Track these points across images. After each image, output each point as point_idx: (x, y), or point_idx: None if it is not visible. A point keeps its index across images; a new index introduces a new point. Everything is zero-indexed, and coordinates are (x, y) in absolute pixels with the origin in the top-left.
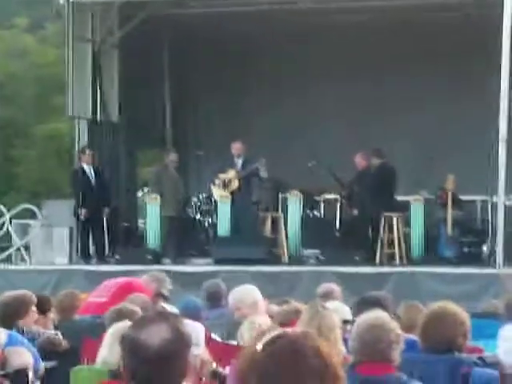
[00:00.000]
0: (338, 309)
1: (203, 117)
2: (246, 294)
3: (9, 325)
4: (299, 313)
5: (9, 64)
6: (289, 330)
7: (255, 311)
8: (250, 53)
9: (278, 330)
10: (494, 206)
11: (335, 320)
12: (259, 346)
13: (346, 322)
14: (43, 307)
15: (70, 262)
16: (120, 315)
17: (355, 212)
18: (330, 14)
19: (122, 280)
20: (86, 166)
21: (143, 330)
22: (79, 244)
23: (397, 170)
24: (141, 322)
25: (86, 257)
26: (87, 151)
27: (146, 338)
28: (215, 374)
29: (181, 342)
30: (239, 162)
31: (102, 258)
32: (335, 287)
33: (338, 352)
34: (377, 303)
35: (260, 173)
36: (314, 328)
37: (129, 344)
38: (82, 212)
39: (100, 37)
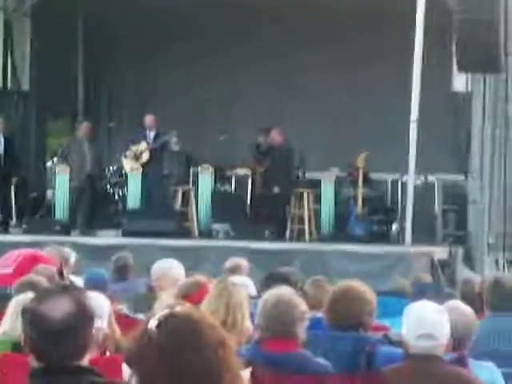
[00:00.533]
0: (245, 284)
1: (115, 88)
2: (170, 269)
3: None
4: (200, 285)
5: None
6: (178, 310)
7: (174, 287)
8: (164, 21)
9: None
10: (404, 186)
11: (243, 296)
12: (154, 323)
13: (252, 297)
14: None
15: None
16: (29, 287)
17: (276, 189)
18: None
19: (25, 251)
20: None
21: (45, 302)
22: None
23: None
24: (43, 294)
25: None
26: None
27: (48, 311)
28: (120, 347)
29: (83, 315)
30: (151, 134)
31: (7, 227)
32: (243, 262)
33: (246, 328)
34: (284, 279)
35: (171, 146)
36: (222, 304)
37: (30, 316)
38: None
39: (12, 5)
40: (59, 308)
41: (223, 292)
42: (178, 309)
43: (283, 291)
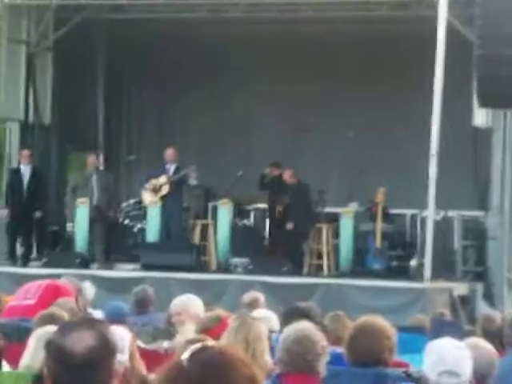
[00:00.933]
0: (266, 318)
1: (136, 122)
2: (190, 304)
3: None
4: (221, 320)
5: None
6: (207, 344)
7: (193, 322)
8: (185, 58)
9: (204, 341)
10: (423, 221)
11: (262, 330)
12: (185, 356)
13: (272, 331)
14: None
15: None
16: (51, 320)
17: (290, 226)
18: (264, 23)
19: (46, 282)
20: (22, 166)
21: (68, 335)
22: (6, 245)
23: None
24: (66, 327)
25: (12, 258)
26: (23, 151)
27: (71, 344)
28: (144, 381)
29: (106, 350)
30: (171, 168)
31: (28, 261)
32: (260, 296)
33: (265, 363)
34: (304, 314)
35: (189, 180)
36: (241, 338)
37: (53, 349)
38: (5, 213)
39: (35, 39)
40: (82, 341)
41: (242, 326)
42: (210, 343)
43: (304, 326)
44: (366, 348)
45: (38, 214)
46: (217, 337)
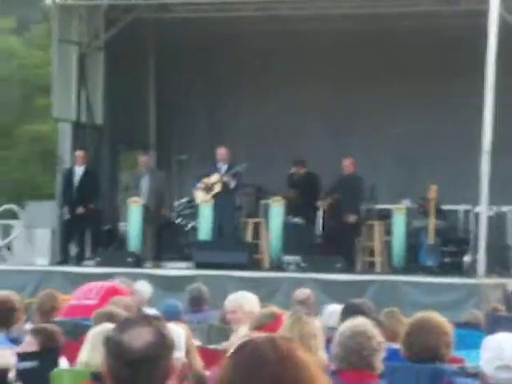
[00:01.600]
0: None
1: (187, 121)
2: (245, 301)
3: None
4: (275, 316)
5: None
6: (257, 335)
7: (248, 320)
8: (235, 57)
9: (247, 337)
10: (477, 216)
11: (317, 327)
12: (228, 354)
13: (333, 328)
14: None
15: (51, 263)
16: (108, 318)
17: (352, 218)
18: (317, 21)
19: (107, 283)
20: (76, 167)
21: (126, 332)
22: (60, 245)
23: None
24: (124, 324)
25: (66, 258)
26: (76, 152)
27: (129, 341)
28: (201, 377)
29: (163, 345)
30: (224, 167)
31: (82, 260)
32: (310, 293)
33: (319, 359)
34: (360, 311)
35: (241, 178)
36: (296, 334)
37: (112, 346)
38: (64, 211)
39: (86, 39)
40: (140, 338)
41: (296, 323)
42: (253, 338)
43: (359, 322)
44: (422, 344)
45: (80, 210)
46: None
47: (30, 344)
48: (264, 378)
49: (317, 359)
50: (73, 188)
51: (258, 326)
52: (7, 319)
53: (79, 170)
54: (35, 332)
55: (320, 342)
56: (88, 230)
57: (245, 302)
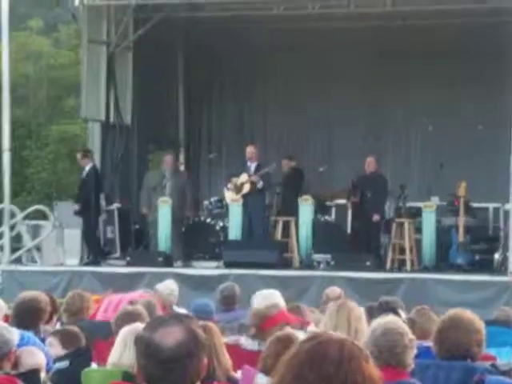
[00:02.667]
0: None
1: (216, 120)
2: (270, 298)
3: (25, 325)
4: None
5: (23, 66)
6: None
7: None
8: (263, 55)
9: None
10: (506, 214)
11: (362, 311)
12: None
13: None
14: (51, 308)
15: (81, 263)
16: (129, 317)
17: (376, 218)
18: (346, 20)
19: (132, 294)
20: (86, 167)
21: (158, 331)
22: (90, 245)
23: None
24: (155, 323)
25: (95, 258)
26: (83, 152)
27: (161, 340)
28: (229, 376)
29: (195, 344)
30: (252, 166)
31: (106, 259)
32: (340, 291)
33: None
34: (391, 308)
35: (270, 179)
36: (344, 318)
37: (143, 345)
38: (75, 206)
39: (114, 39)
40: (172, 336)
41: (343, 308)
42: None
43: (391, 319)
44: (454, 341)
45: (76, 207)
46: (276, 323)
47: (52, 345)
48: (320, 374)
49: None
50: (82, 187)
51: (263, 317)
52: (36, 319)
53: (85, 170)
54: (56, 334)
55: (365, 326)
56: (117, 230)
57: (269, 299)
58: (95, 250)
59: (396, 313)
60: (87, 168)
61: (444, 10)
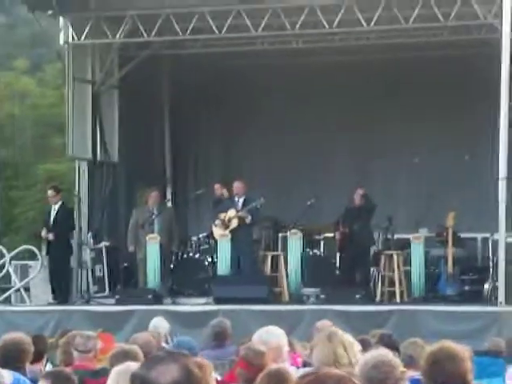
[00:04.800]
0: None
1: (203, 156)
2: (272, 336)
3: (10, 367)
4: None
5: (8, 106)
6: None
7: (276, 356)
8: (249, 92)
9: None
10: (495, 244)
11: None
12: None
13: None
14: (39, 348)
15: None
16: (124, 356)
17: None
18: (332, 53)
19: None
20: (52, 206)
21: (153, 368)
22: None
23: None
24: (151, 361)
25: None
26: (55, 188)
27: (157, 378)
28: None
29: (191, 382)
30: (240, 201)
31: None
32: (330, 324)
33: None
34: (392, 343)
35: (257, 214)
36: (338, 340)
37: (138, 383)
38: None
39: (100, 77)
40: (168, 375)
41: (334, 335)
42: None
43: (382, 352)
44: (452, 372)
45: (50, 237)
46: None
47: None
48: None
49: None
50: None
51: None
52: (20, 360)
53: (54, 208)
54: (47, 375)
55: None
56: (106, 268)
57: (271, 338)
58: (61, 290)
59: (396, 348)
60: (57, 206)
61: (429, 42)
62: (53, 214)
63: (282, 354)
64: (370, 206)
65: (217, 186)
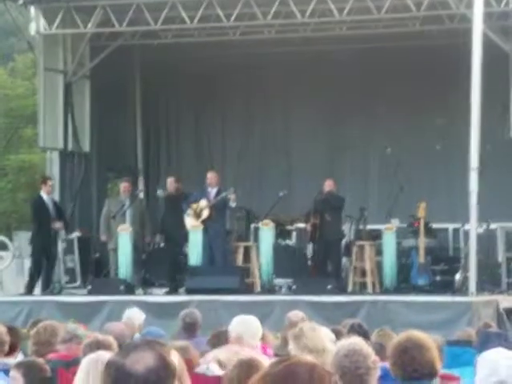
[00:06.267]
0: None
1: (174, 146)
2: (247, 325)
3: None
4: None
5: None
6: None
7: (250, 344)
8: (220, 82)
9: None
10: (466, 234)
11: (328, 331)
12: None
13: None
14: (13, 340)
15: (43, 292)
16: (97, 346)
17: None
18: (304, 44)
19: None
20: (45, 196)
21: (129, 356)
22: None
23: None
24: (127, 348)
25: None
26: (48, 181)
27: (131, 365)
28: None
29: (166, 371)
30: (213, 191)
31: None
32: (303, 314)
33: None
34: (363, 331)
35: (229, 202)
36: (311, 340)
37: (113, 370)
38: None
39: (71, 68)
40: (143, 363)
41: (303, 332)
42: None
43: (354, 341)
44: (420, 361)
45: (57, 225)
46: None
47: (14, 379)
48: None
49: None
50: (48, 216)
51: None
52: None
53: (48, 199)
54: (19, 365)
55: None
56: (78, 258)
57: (246, 328)
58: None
59: (367, 337)
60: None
61: (401, 32)
62: (50, 204)
63: (256, 343)
64: (337, 198)
65: (170, 180)
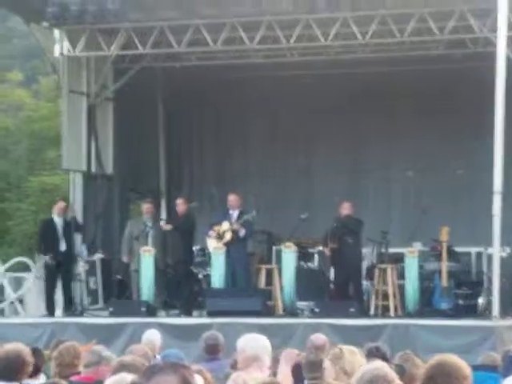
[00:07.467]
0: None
1: (197, 168)
2: (251, 343)
3: (8, 380)
4: None
5: (2, 118)
6: None
7: (247, 364)
8: (243, 105)
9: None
10: (489, 258)
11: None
12: None
13: None
14: (37, 362)
15: (65, 314)
16: (128, 368)
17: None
18: (327, 67)
19: None
20: (55, 217)
21: (152, 379)
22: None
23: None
24: (150, 371)
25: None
26: (59, 202)
27: None
28: None
29: None
30: (234, 213)
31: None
32: (325, 338)
33: None
34: (381, 354)
35: (250, 227)
36: (350, 363)
37: None
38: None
39: (95, 90)
40: None
41: (339, 356)
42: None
43: (378, 365)
44: None
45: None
46: None
47: None
48: None
49: None
50: (56, 238)
51: None
52: (19, 373)
53: (59, 220)
54: None
55: None
56: (100, 280)
57: (250, 345)
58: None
59: (386, 359)
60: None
61: (424, 56)
62: (60, 224)
63: (259, 363)
64: (356, 221)
65: (179, 202)
